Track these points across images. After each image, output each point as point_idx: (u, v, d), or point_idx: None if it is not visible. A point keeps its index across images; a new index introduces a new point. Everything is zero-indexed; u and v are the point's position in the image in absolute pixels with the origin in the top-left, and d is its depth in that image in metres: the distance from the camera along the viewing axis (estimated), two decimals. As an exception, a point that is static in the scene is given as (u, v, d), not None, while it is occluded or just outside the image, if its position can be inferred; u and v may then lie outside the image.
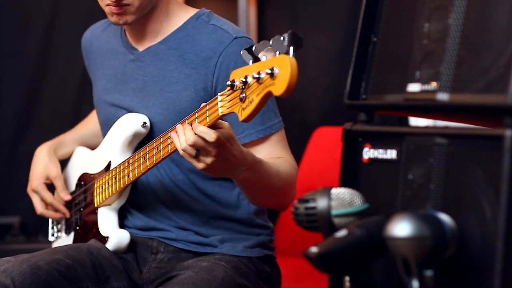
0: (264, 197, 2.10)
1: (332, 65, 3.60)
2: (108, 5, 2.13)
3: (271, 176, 2.03)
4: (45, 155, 2.43)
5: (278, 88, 1.62)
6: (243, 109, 1.73)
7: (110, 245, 2.21)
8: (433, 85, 1.59)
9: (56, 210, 2.41)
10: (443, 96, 1.57)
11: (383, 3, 1.79)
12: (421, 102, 1.63)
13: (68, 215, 2.40)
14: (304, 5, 3.68)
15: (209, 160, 1.86)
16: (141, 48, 2.26)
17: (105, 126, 2.32)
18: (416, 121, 2.87)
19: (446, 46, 1.58)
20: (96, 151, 2.38)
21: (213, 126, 1.87)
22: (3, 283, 1.99)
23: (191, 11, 2.24)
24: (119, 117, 2.24)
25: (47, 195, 2.39)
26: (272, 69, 1.63)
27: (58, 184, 2.40)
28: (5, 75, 3.78)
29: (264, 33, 3.69)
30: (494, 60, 1.49)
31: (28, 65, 3.78)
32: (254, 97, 1.70)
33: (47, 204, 2.41)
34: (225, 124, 1.89)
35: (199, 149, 1.85)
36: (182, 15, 2.23)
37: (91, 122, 2.54)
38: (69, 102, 3.77)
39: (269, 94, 1.67)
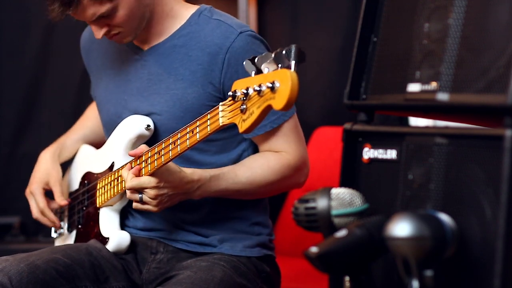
0: (252, 196, 2.17)
1: (332, 65, 3.59)
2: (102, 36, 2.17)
3: (240, 182, 2.10)
4: (48, 160, 2.42)
5: (278, 102, 1.61)
6: (244, 120, 1.72)
7: (110, 246, 2.21)
8: (433, 85, 1.59)
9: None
10: (443, 96, 1.57)
11: (383, 3, 1.79)
12: (421, 102, 1.63)
13: (57, 225, 2.41)
14: (304, 5, 3.68)
15: (154, 202, 2.02)
16: (145, 47, 2.25)
17: (108, 126, 2.31)
18: (416, 121, 2.87)
19: (446, 46, 1.58)
20: (100, 151, 2.38)
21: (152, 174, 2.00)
22: (0, 282, 1.99)
23: (191, 8, 2.24)
24: (123, 117, 2.24)
25: (41, 200, 2.39)
26: (273, 83, 1.62)
27: (56, 189, 2.39)
28: (5, 75, 3.78)
29: (264, 33, 3.69)
30: (494, 60, 1.49)
31: (28, 65, 3.78)
32: (255, 110, 1.69)
33: (39, 209, 2.40)
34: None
35: (141, 192, 2.02)
36: (183, 13, 2.23)
37: (88, 121, 2.54)
38: (69, 102, 3.76)
39: (269, 108, 1.66)
